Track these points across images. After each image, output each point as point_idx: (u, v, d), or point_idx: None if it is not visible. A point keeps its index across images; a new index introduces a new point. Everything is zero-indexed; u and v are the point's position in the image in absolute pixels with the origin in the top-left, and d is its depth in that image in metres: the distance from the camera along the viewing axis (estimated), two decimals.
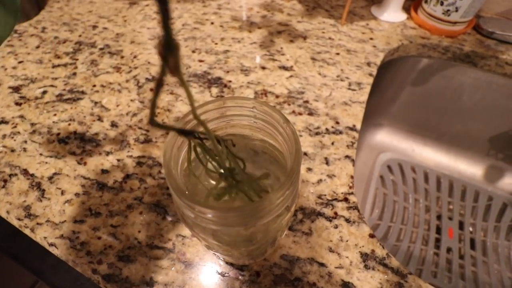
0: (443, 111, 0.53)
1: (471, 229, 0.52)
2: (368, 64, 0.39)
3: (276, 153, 0.20)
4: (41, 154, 0.30)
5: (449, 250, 0.49)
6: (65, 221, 0.26)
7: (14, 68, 0.39)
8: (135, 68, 0.38)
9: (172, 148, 0.14)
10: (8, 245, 0.33)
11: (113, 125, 0.32)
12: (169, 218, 0.25)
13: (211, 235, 0.17)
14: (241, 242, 0.17)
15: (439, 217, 0.53)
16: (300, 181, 0.18)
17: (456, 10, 0.41)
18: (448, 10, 0.41)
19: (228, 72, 0.38)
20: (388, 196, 0.54)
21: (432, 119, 0.55)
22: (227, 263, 0.23)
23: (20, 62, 0.40)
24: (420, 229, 0.51)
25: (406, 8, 0.47)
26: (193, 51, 0.41)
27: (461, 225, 0.52)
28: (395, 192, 0.55)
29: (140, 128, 0.32)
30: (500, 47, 0.43)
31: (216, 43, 0.42)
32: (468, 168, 0.57)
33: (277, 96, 0.35)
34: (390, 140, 0.59)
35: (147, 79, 0.37)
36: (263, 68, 0.38)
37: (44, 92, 0.36)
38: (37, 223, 0.26)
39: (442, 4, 0.41)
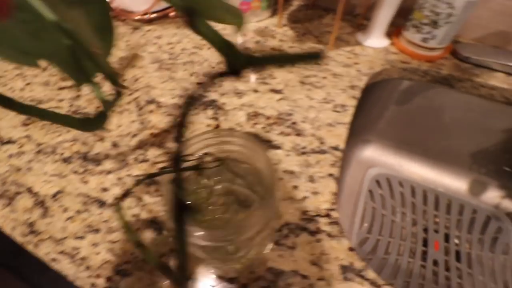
0: (426, 129, 0.56)
1: (456, 241, 0.54)
2: (352, 87, 0.42)
3: (259, 175, 0.22)
4: (45, 173, 0.32)
5: (435, 262, 0.51)
6: (66, 237, 0.27)
7: (21, 89, 0.42)
8: (136, 90, 0.41)
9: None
10: (9, 260, 0.35)
11: (114, 145, 0.34)
12: (165, 233, 0.27)
13: (201, 251, 0.19)
14: (226, 256, 0.20)
15: (425, 230, 0.55)
16: (276, 200, 0.20)
17: (433, 38, 0.45)
18: (426, 38, 0.45)
19: (223, 94, 0.41)
20: (377, 210, 0.56)
21: (417, 135, 0.58)
22: (217, 276, 0.25)
23: (27, 84, 0.42)
24: (407, 242, 0.53)
25: (389, 35, 0.51)
26: (191, 75, 0.44)
27: (446, 238, 0.54)
28: (384, 206, 0.57)
29: (139, 148, 0.34)
30: (476, 70, 0.47)
31: (213, 67, 0.45)
32: (453, 183, 0.60)
33: (267, 118, 0.38)
34: (378, 156, 0.62)
35: (147, 101, 0.40)
36: (255, 91, 0.41)
37: None
38: (40, 239, 0.27)
39: (420, 32, 0.45)
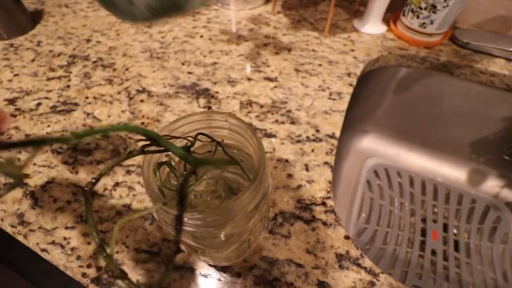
0: (425, 118, 0.55)
1: (455, 231, 0.53)
2: (349, 74, 0.41)
3: (251, 161, 0.21)
4: (34, 164, 0.32)
5: (433, 252, 0.51)
6: (56, 227, 0.27)
7: (9, 81, 0.41)
8: (127, 80, 0.40)
9: (150, 162, 0.16)
10: (2, 253, 0.34)
11: (105, 135, 0.34)
12: (156, 224, 0.27)
13: (191, 238, 0.19)
14: (218, 243, 0.19)
15: (424, 220, 0.54)
16: (270, 187, 0.20)
17: (431, 23, 0.43)
18: (424, 23, 0.44)
19: (215, 83, 0.40)
20: (375, 200, 0.56)
21: (415, 125, 0.57)
22: (209, 265, 0.24)
23: (15, 75, 0.41)
24: (406, 232, 0.53)
25: (386, 21, 0.50)
26: (183, 64, 0.43)
27: (445, 228, 0.54)
28: (382, 196, 0.56)
29: (130, 138, 0.33)
30: (475, 56, 0.46)
31: (204, 56, 0.44)
32: (452, 172, 0.59)
33: (261, 106, 0.37)
34: (376, 146, 0.61)
35: (137, 90, 0.39)
36: (249, 79, 0.40)
37: (39, 104, 0.37)
38: (30, 230, 0.27)
39: (418, 17, 0.44)
